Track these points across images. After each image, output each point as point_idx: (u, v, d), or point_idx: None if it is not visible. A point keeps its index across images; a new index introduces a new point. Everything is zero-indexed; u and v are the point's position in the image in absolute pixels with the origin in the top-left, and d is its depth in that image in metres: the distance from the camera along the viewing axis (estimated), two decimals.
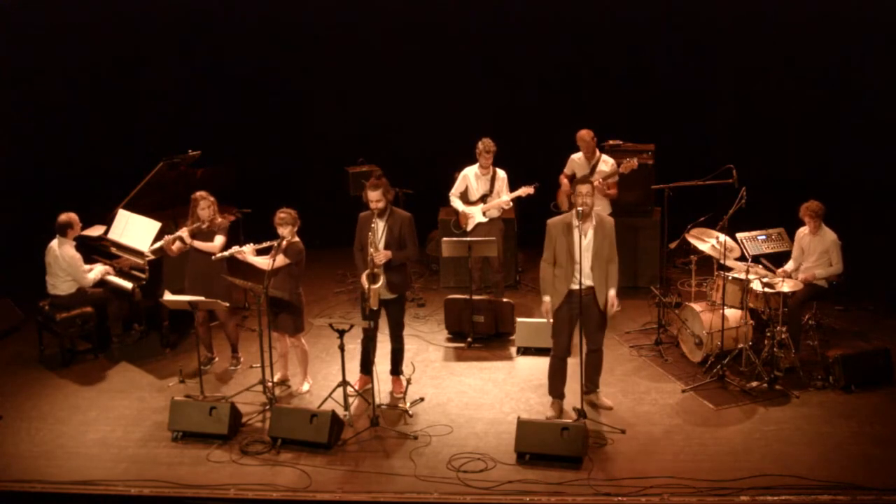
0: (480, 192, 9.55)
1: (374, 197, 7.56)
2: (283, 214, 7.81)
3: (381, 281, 7.62)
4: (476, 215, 9.57)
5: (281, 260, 7.80)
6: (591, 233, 7.28)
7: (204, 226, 8.34)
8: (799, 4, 10.94)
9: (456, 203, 9.62)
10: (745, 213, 8.42)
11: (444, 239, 9.45)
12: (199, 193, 8.43)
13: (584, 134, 9.58)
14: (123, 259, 9.11)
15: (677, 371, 8.40)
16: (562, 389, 7.68)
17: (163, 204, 9.73)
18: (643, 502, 6.50)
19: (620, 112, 11.30)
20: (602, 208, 9.25)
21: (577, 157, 9.74)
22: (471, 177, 9.56)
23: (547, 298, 7.41)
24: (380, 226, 7.64)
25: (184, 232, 8.33)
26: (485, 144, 9.33)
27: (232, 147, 11.78)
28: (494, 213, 9.59)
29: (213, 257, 8.15)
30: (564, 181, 9.80)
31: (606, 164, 9.64)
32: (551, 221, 7.46)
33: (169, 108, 12.22)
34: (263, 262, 7.84)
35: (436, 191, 10.88)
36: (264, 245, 7.88)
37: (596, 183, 9.12)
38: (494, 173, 9.49)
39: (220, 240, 8.37)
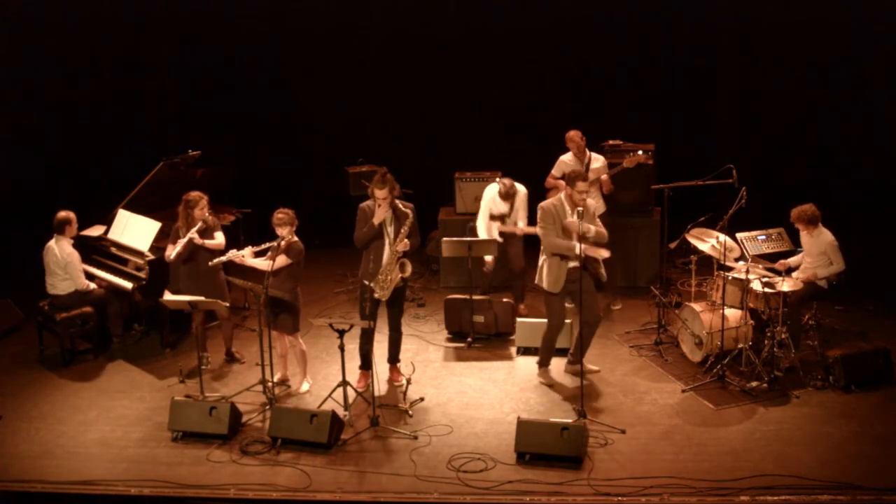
0: (498, 211, 9.51)
1: (382, 194, 7.69)
2: (281, 215, 7.83)
3: (409, 267, 7.87)
4: (485, 229, 9.52)
5: (283, 260, 7.81)
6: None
7: (203, 225, 8.35)
8: (799, 4, 10.93)
9: (482, 230, 9.46)
10: (745, 213, 8.42)
11: (444, 239, 9.45)
12: (196, 193, 8.40)
13: (574, 135, 9.55)
14: (130, 261, 9.10)
15: (677, 371, 8.40)
16: (550, 359, 8.28)
17: (163, 204, 9.72)
18: (643, 502, 6.50)
19: (620, 112, 11.29)
20: (599, 205, 9.42)
21: (566, 158, 9.69)
22: (492, 197, 9.49)
23: (576, 246, 7.61)
24: (387, 219, 7.79)
25: (193, 234, 8.32)
26: (505, 187, 9.27)
27: (232, 147, 11.78)
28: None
29: (209, 263, 8.11)
30: (557, 182, 9.76)
31: (598, 161, 9.62)
32: (545, 205, 7.87)
33: (169, 108, 12.21)
34: (264, 264, 7.84)
35: (436, 190, 10.89)
36: (262, 247, 7.89)
37: (604, 177, 9.46)
38: (515, 192, 9.43)
39: (221, 237, 8.44)
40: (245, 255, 7.94)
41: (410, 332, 9.41)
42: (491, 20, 11.62)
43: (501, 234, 9.47)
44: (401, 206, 7.84)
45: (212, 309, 8.41)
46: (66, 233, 8.80)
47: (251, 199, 10.01)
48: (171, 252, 8.29)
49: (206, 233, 8.40)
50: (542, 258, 7.95)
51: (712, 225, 8.69)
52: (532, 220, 8.46)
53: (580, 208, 7.52)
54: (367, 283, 7.88)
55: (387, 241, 7.82)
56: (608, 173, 9.52)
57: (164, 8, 11.91)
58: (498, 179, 9.41)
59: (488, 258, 9.54)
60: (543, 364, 8.27)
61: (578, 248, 7.59)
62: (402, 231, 7.79)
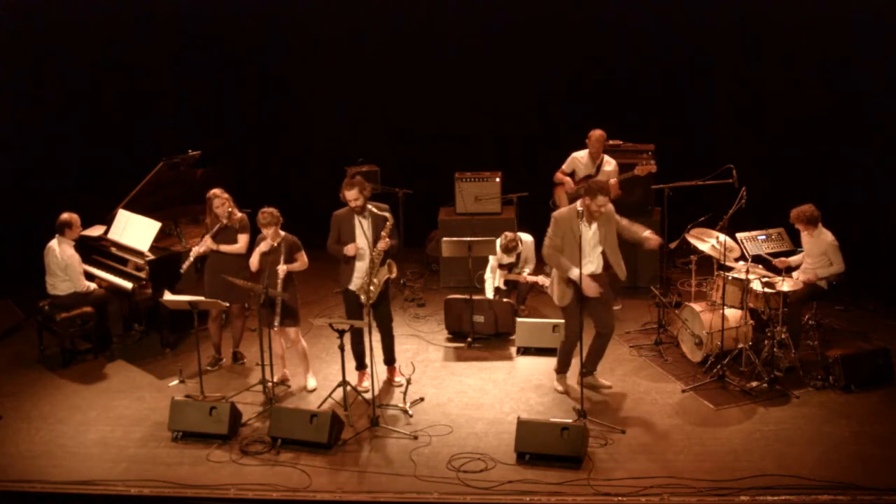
0: (505, 262, 9.50)
1: (352, 196, 7.66)
2: (265, 214, 7.83)
3: (395, 268, 7.84)
4: (492, 281, 9.48)
5: (303, 256, 7.92)
6: (596, 227, 7.59)
7: (224, 224, 8.33)
8: (799, 4, 10.92)
9: (488, 281, 9.38)
10: (745, 213, 8.42)
11: (444, 239, 9.46)
12: (213, 192, 8.39)
13: (600, 135, 9.57)
14: (130, 261, 9.10)
15: (677, 371, 8.40)
16: (567, 366, 8.10)
17: (163, 204, 9.72)
18: (643, 502, 6.51)
19: (620, 112, 11.28)
20: None
21: (581, 155, 9.73)
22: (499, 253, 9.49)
23: (575, 271, 7.47)
24: (364, 223, 7.73)
25: (207, 239, 8.31)
26: (506, 240, 9.19)
27: (232, 147, 11.78)
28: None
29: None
30: (566, 179, 9.79)
31: (610, 164, 9.65)
32: (559, 214, 7.71)
33: (169, 108, 12.21)
34: (292, 265, 7.87)
35: (436, 190, 10.88)
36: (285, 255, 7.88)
37: (612, 181, 9.40)
38: (516, 245, 9.36)
39: (243, 239, 8.39)
40: (285, 268, 7.85)
41: (410, 332, 9.42)
42: (491, 20, 11.60)
43: (507, 282, 9.52)
44: (374, 209, 7.74)
45: (214, 308, 8.41)
46: (66, 235, 8.79)
47: (251, 199, 9.99)
48: (196, 254, 8.34)
49: (227, 232, 8.37)
50: (552, 270, 7.86)
51: (712, 225, 8.70)
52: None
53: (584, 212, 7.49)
54: (350, 288, 7.85)
55: (366, 246, 7.75)
56: (618, 178, 9.51)
57: (164, 7, 11.89)
58: (504, 235, 9.35)
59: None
60: (561, 370, 8.15)
61: (577, 272, 7.43)
62: (382, 234, 7.70)
